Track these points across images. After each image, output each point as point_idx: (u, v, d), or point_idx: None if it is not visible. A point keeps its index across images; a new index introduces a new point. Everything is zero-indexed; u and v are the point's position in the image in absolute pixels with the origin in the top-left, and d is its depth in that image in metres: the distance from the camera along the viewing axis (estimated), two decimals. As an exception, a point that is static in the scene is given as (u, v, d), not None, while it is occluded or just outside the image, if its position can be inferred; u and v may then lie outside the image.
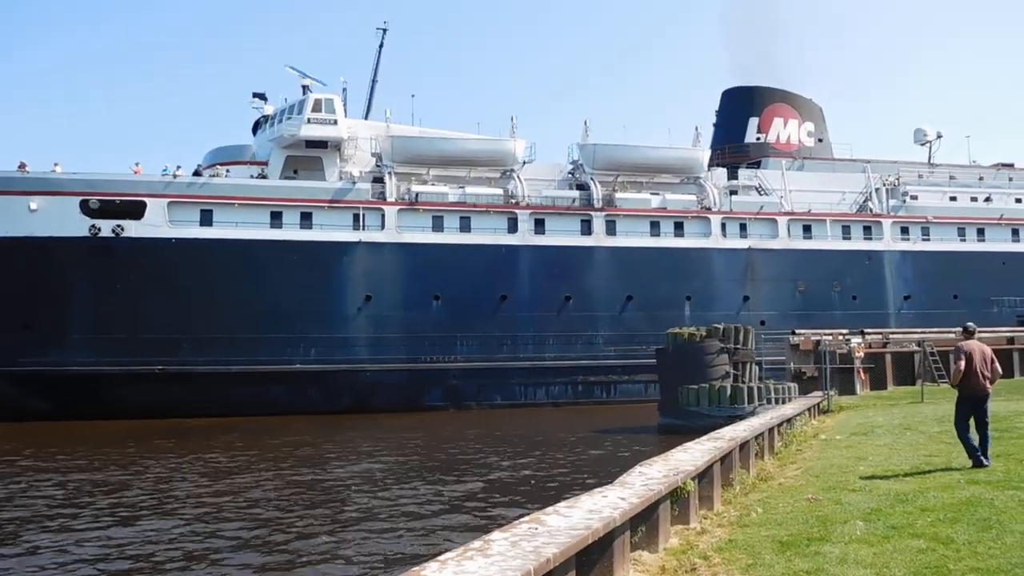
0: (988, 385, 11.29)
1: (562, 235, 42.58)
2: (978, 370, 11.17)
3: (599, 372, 41.86)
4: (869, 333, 34.37)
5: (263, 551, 13.24)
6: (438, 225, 41.21)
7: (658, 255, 43.53)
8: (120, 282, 36.62)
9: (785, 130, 52.85)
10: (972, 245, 49.90)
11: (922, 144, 57.17)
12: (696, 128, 47.03)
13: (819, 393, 26.23)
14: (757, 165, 49.87)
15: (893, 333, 35.56)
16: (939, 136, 56.98)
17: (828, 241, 46.88)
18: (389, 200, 40.73)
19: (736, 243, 45.12)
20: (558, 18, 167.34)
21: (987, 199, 51.75)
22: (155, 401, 35.23)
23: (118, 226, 36.95)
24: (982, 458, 11.08)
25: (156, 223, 37.50)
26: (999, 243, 50.43)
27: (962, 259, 49.02)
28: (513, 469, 21.17)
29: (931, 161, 55.65)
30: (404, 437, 29.11)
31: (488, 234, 41.53)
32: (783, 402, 26.02)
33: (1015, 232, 51.14)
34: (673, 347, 32.11)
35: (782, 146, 52.19)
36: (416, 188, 41.41)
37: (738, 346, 31.47)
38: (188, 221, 38.13)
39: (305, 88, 42.84)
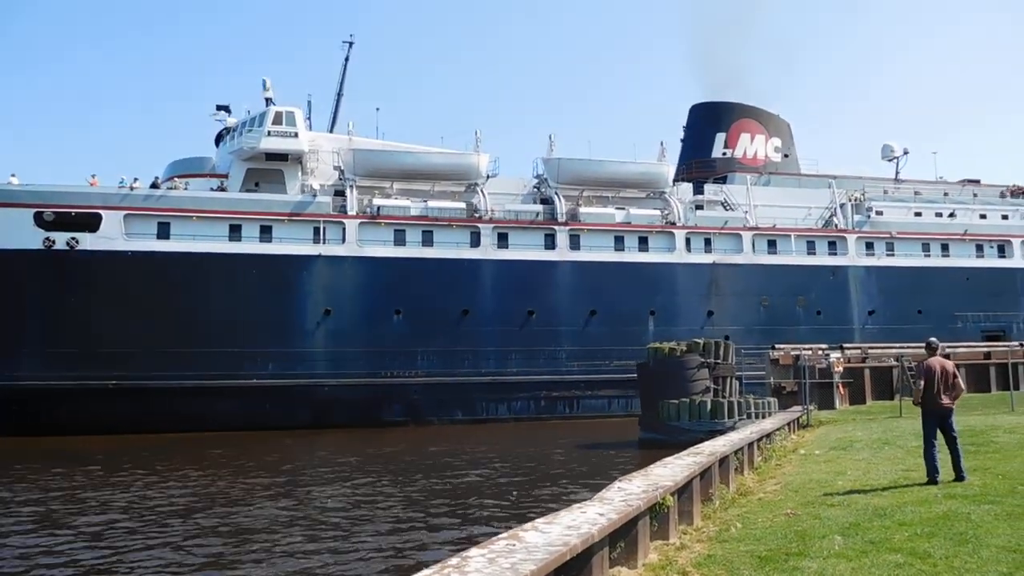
0: (950, 401, 11.36)
1: (525, 249, 42.41)
2: (939, 387, 11.26)
3: (562, 387, 41.61)
4: (848, 348, 34.48)
5: (235, 570, 12.97)
6: (400, 239, 40.95)
7: (622, 270, 43.42)
8: (74, 295, 36.10)
9: (752, 145, 53.01)
10: (936, 261, 50.11)
11: (889, 160, 57.68)
12: (661, 143, 47.21)
13: (799, 408, 26.32)
14: (724, 180, 49.93)
15: (872, 348, 35.66)
16: (906, 152, 57.56)
17: (793, 256, 46.94)
18: (350, 213, 40.45)
19: (700, 258, 45.09)
20: (525, 33, 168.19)
21: (951, 215, 52.05)
22: (106, 416, 34.60)
23: (73, 239, 36.45)
24: (938, 476, 11.20)
25: (112, 236, 37.04)
26: (963, 259, 50.68)
27: (926, 274, 49.20)
28: (492, 485, 20.94)
29: (898, 177, 56.05)
30: (373, 453, 28.68)
31: (450, 248, 41.30)
32: (763, 417, 26.09)
33: (979, 248, 51.43)
34: (654, 362, 32.04)
35: (749, 161, 52.34)
36: (378, 201, 41.17)
37: (718, 361, 31.49)
38: (145, 234, 37.68)
39: (268, 101, 42.56)
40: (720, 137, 52.60)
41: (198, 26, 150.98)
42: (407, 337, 39.63)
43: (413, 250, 40.85)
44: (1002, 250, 51.85)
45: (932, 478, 11.17)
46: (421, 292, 40.07)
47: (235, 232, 38.78)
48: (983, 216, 53.10)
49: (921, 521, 8.73)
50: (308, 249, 39.41)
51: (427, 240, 41.31)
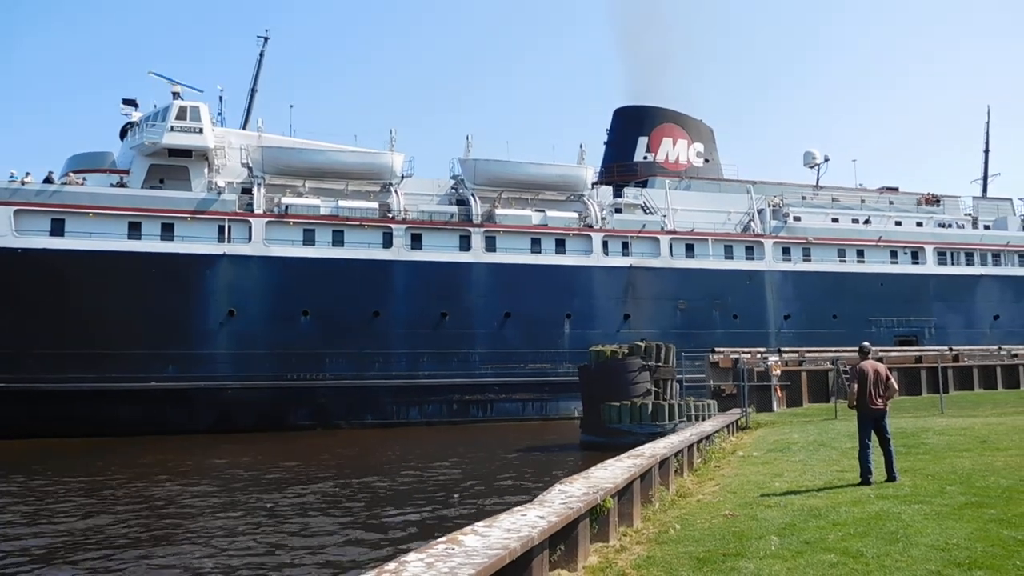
0: (883, 403, 11.59)
1: (440, 251, 41.80)
2: (872, 390, 11.50)
3: (475, 391, 41.07)
4: (786, 351, 34.75)
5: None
6: (309, 239, 40.01)
7: (538, 272, 43.07)
8: (-42, 294, 34.48)
9: (674, 150, 53.20)
10: (852, 266, 50.79)
11: (811, 167, 58.45)
12: (581, 145, 46.95)
13: (737, 410, 26.58)
14: (645, 184, 49.97)
15: (809, 352, 36.08)
16: (826, 159, 58.39)
17: (710, 260, 47.12)
18: (257, 212, 39.39)
19: (618, 261, 44.97)
20: (445, 33, 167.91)
21: (867, 221, 52.86)
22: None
23: (-42, 235, 34.84)
24: (871, 477, 11.42)
25: (1, 232, 35.46)
26: (878, 264, 51.48)
27: (842, 280, 49.85)
28: (431, 488, 20.53)
29: (818, 184, 56.77)
30: (294, 459, 27.66)
31: (362, 249, 40.49)
32: (703, 419, 26.20)
33: (893, 254, 52.30)
34: (596, 364, 31.88)
35: (670, 165, 52.50)
36: (286, 200, 40.19)
37: (659, 364, 31.44)
38: (37, 231, 36.18)
39: (176, 95, 41.29)
40: (642, 141, 52.69)
41: (117, 17, 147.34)
42: (315, 339, 38.71)
43: (323, 250, 39.95)
44: (916, 256, 52.79)
45: (865, 479, 11.38)
46: (330, 293, 39.19)
47: (135, 230, 37.46)
48: (898, 223, 54.08)
49: (854, 521, 8.90)
50: (212, 248, 38.25)
51: (338, 240, 40.44)
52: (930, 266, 52.79)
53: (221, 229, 38.71)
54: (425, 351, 40.43)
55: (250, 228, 39.01)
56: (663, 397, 30.68)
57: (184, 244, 37.88)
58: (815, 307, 48.27)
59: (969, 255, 54.48)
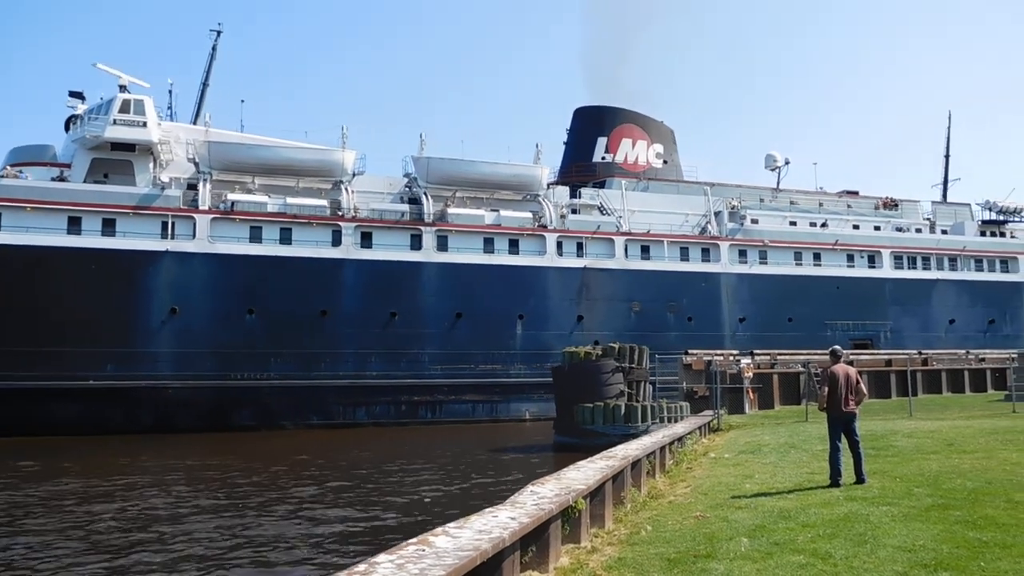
0: (854, 407, 11.73)
1: (390, 250, 41.28)
2: (843, 393, 11.62)
3: (424, 392, 40.63)
4: (758, 354, 34.87)
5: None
6: (256, 236, 39.37)
7: (490, 272, 42.67)
8: None
9: (633, 151, 52.96)
10: (808, 269, 50.79)
11: (772, 169, 58.42)
12: (537, 145, 46.62)
13: (710, 412, 26.66)
14: (603, 185, 49.70)
15: (780, 354, 36.21)
16: (787, 162, 58.44)
17: (665, 262, 46.91)
18: (202, 208, 38.70)
19: (572, 262, 44.66)
20: (404, 32, 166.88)
21: (824, 225, 52.89)
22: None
23: None
24: (841, 479, 11.52)
25: (-67, 226, 34.62)
26: (834, 268, 51.53)
27: (798, 283, 49.82)
28: (403, 490, 20.14)
29: (779, 186, 56.74)
30: (244, 460, 27.17)
31: (310, 247, 39.92)
32: (675, 421, 26.23)
33: (850, 257, 52.38)
34: (569, 366, 31.76)
35: (629, 166, 52.26)
36: (232, 196, 39.51)
37: (633, 365, 31.39)
38: (-28, 225, 35.33)
39: (122, 88, 40.49)
40: (602, 141, 52.41)
41: (70, 9, 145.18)
42: (260, 338, 38.09)
43: (270, 248, 39.33)
44: (872, 260, 52.92)
45: (835, 481, 11.50)
46: (277, 291, 38.59)
47: (74, 225, 36.70)
48: (856, 227, 54.19)
49: (824, 523, 8.99)
50: (155, 244, 37.54)
51: (285, 238, 39.84)
52: (886, 270, 52.94)
53: (165, 225, 38.00)
54: (373, 351, 39.90)
55: (195, 225, 38.32)
56: (636, 399, 30.72)
57: (126, 240, 37.14)
58: (770, 310, 48.20)
59: (926, 259, 54.70)
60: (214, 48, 45.87)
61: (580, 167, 51.37)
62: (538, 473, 15.85)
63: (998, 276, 56.46)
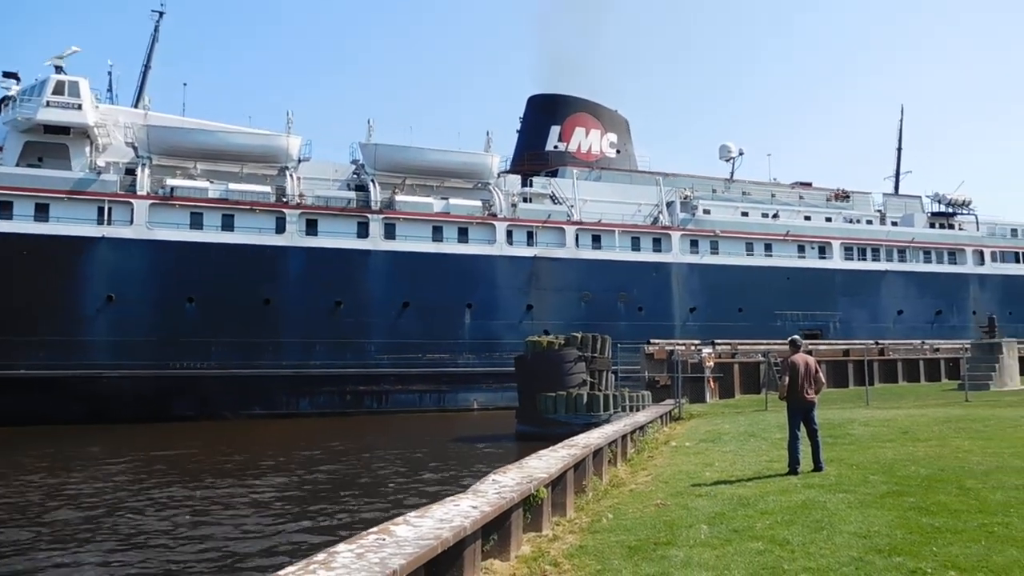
0: (813, 396, 11.89)
1: (336, 237, 40.64)
2: (802, 382, 11.76)
3: (370, 381, 40.11)
4: (719, 343, 35.14)
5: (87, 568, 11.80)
6: (197, 222, 38.51)
7: (439, 261, 42.21)
8: None
9: (587, 140, 52.73)
10: (759, 260, 50.98)
11: (727, 160, 58.47)
12: (487, 133, 46.16)
13: (671, 401, 26.89)
14: (555, 174, 49.40)
15: (741, 344, 36.52)
16: (741, 153, 58.49)
17: (616, 252, 46.77)
18: (140, 193, 37.74)
19: (522, 251, 44.32)
20: (354, 16, 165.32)
21: (775, 215, 53.09)
22: None
23: None
24: (799, 467, 11.66)
25: None
26: (785, 259, 51.76)
27: (748, 273, 49.97)
28: (363, 480, 19.79)
29: (732, 177, 56.86)
30: (203, 450, 26.45)
31: (253, 234, 39.15)
32: (637, 410, 26.27)
33: (801, 248, 52.66)
34: (532, 355, 31.63)
35: (582, 156, 52.02)
36: (172, 182, 38.59)
37: (595, 355, 31.34)
38: None
39: (58, 69, 39.30)
40: (555, 130, 52.12)
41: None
42: (201, 326, 37.29)
43: (211, 235, 38.50)
44: (823, 251, 53.28)
45: (793, 469, 11.65)
46: (218, 279, 37.80)
47: (5, 210, 35.59)
48: (808, 218, 54.48)
49: (781, 510, 9.09)
50: (90, 231, 36.55)
51: (227, 225, 39.02)
52: (836, 261, 53.32)
53: (101, 211, 37.01)
54: (318, 340, 39.30)
55: (132, 210, 37.38)
56: (599, 388, 30.69)
57: (59, 226, 36.11)
58: (721, 300, 48.29)
59: (875, 251, 55.19)
60: (156, 29, 44.81)
61: (533, 156, 51.03)
62: (500, 462, 15.89)
63: (945, 268, 57.18)
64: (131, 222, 37.23)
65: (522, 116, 54.31)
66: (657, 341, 34.56)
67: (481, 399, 41.64)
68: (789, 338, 12.87)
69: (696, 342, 35.00)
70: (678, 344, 33.26)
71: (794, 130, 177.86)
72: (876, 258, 54.95)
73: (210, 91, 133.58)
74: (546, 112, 52.83)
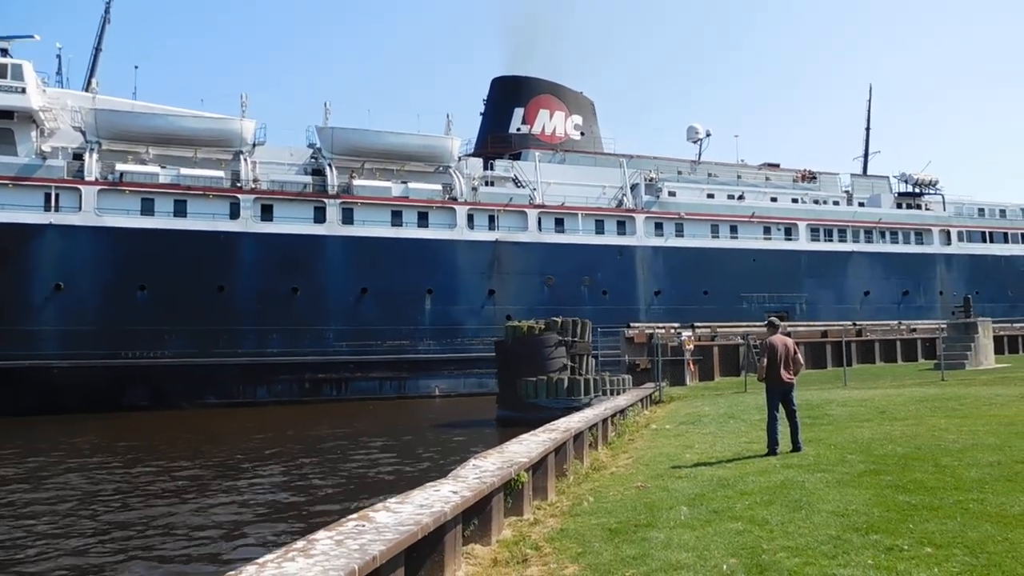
0: (791, 377, 11.92)
1: (292, 223, 39.97)
2: (781, 364, 11.81)
3: (329, 368, 39.59)
4: (699, 327, 35.16)
5: (67, 565, 11.54)
6: (148, 208, 37.73)
7: (398, 246, 41.64)
8: None
9: (551, 122, 52.17)
10: (724, 242, 50.70)
11: (694, 142, 58.10)
12: (448, 116, 45.53)
13: (652, 384, 27.01)
14: (519, 157, 48.82)
15: (721, 327, 36.48)
16: (708, 134, 58.16)
17: (580, 235, 46.35)
18: (88, 179, 36.89)
19: (483, 235, 43.82)
20: (327, 1, 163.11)
21: (740, 197, 52.78)
22: None
23: None
24: (778, 448, 11.68)
25: None
26: (751, 240, 51.53)
27: (714, 255, 49.72)
28: (341, 467, 19.51)
29: (699, 159, 56.47)
30: (164, 441, 25.91)
31: (206, 219, 38.41)
32: (617, 393, 26.31)
33: (767, 230, 52.44)
34: (512, 340, 31.50)
35: (546, 138, 51.47)
36: (122, 167, 37.74)
37: (575, 339, 31.26)
38: None
39: (3, 52, 38.27)
40: (519, 112, 51.51)
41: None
42: (153, 315, 36.60)
43: (162, 221, 37.74)
44: (789, 232, 53.10)
45: (772, 450, 11.70)
46: (170, 266, 37.07)
47: (-54, 197, 34.68)
48: (774, 199, 54.22)
49: (761, 490, 9.14)
50: (37, 217, 35.73)
51: (179, 210, 38.26)
52: (802, 242, 53.17)
53: (48, 197, 36.17)
54: (274, 327, 38.72)
55: (80, 196, 36.55)
56: (579, 372, 30.70)
57: (4, 213, 35.25)
58: (686, 283, 48.04)
59: (842, 232, 55.08)
60: (107, 10, 43.74)
61: (496, 139, 50.42)
62: (481, 447, 15.99)
63: (912, 248, 57.21)
64: (79, 208, 36.41)
65: (486, 99, 53.59)
66: (637, 325, 34.53)
67: (443, 386, 41.25)
68: (767, 319, 12.91)
69: (675, 325, 34.93)
70: (658, 328, 33.22)
71: (763, 112, 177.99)
72: (843, 239, 54.84)
73: (164, 75, 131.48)
74: (510, 94, 52.17)
